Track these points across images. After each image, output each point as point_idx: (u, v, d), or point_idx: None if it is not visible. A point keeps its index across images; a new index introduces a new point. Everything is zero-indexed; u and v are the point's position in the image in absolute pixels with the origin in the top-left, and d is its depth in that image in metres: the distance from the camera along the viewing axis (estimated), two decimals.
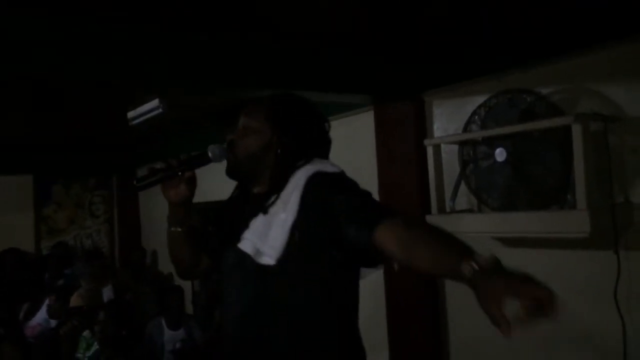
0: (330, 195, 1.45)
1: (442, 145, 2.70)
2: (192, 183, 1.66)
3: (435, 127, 3.00)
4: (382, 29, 2.64)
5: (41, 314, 4.32)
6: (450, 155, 2.73)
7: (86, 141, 5.87)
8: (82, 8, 2.11)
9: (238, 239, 1.56)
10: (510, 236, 2.51)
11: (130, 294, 4.92)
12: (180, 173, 1.61)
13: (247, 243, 1.51)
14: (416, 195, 2.92)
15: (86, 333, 3.52)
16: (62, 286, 5.12)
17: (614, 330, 2.15)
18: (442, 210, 2.63)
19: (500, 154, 2.39)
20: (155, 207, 6.33)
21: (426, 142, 2.70)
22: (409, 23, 2.55)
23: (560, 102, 2.38)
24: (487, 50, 2.60)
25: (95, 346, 3.25)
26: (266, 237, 1.48)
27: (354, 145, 3.57)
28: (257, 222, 1.52)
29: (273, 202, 1.52)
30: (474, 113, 2.57)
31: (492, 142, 2.44)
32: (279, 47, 2.63)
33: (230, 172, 1.65)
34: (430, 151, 2.66)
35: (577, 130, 2.07)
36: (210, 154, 1.59)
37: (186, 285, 5.19)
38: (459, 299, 2.91)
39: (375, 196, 3.09)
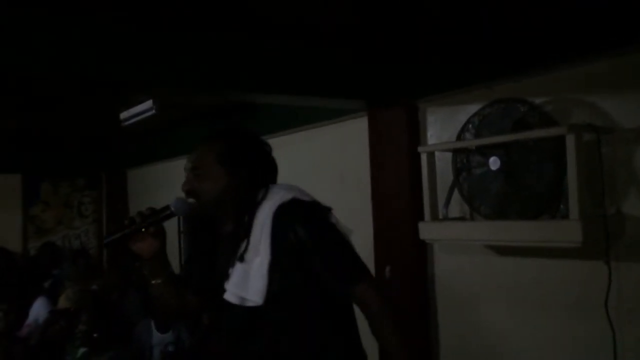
0: (301, 241, 1.55)
1: (436, 153, 2.71)
2: (159, 236, 1.69)
3: (428, 134, 3.00)
4: (376, 34, 2.64)
5: (30, 315, 4.27)
6: (443, 163, 2.73)
7: (76, 140, 5.83)
8: (81, 8, 2.09)
9: (219, 282, 1.64)
10: (502, 244, 2.52)
11: (116, 295, 4.87)
12: (144, 229, 1.64)
13: (231, 295, 1.58)
14: (409, 202, 2.92)
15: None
16: (50, 288, 5.07)
17: (605, 341, 2.16)
18: (434, 217, 2.63)
19: (494, 163, 2.40)
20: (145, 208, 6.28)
21: (420, 149, 2.70)
22: (404, 28, 2.55)
23: (554, 112, 2.39)
24: (481, 59, 2.62)
25: (83, 349, 3.22)
26: (247, 286, 1.55)
27: (346, 151, 3.57)
28: (236, 272, 1.58)
29: (246, 249, 1.58)
30: (468, 121, 2.58)
31: (485, 151, 2.45)
32: (272, 50, 2.62)
33: (200, 217, 1.72)
34: (424, 158, 2.66)
35: (570, 141, 2.08)
36: (172, 209, 1.64)
37: None
38: (449, 302, 2.91)
39: (368, 203, 3.11)
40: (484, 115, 2.51)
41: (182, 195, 1.71)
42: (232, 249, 1.63)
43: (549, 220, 2.26)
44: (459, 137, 2.60)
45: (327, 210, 1.69)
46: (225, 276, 1.63)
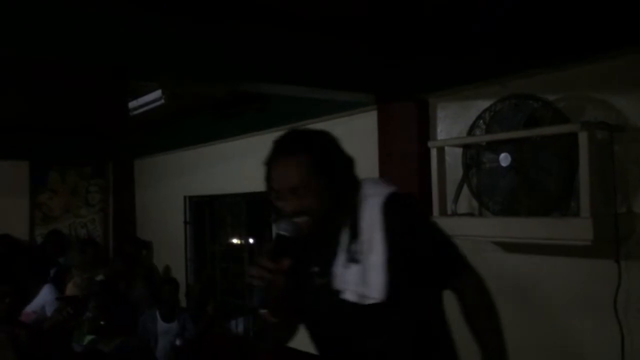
0: (411, 234, 1.54)
1: (446, 148, 2.70)
2: (285, 272, 1.54)
3: (438, 129, 2.99)
4: (388, 28, 2.63)
5: (36, 302, 4.30)
6: (453, 158, 2.72)
7: (84, 128, 5.84)
8: None
9: (325, 285, 1.57)
10: (510, 241, 2.51)
11: (122, 284, 4.90)
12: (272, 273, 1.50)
13: (351, 294, 1.52)
14: (418, 197, 2.92)
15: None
16: (55, 275, 5.10)
17: (613, 340, 2.15)
18: (443, 212, 2.63)
19: (504, 159, 2.38)
20: (151, 198, 6.31)
21: (430, 144, 2.70)
22: (416, 22, 2.54)
23: (566, 109, 2.38)
24: (494, 54, 2.60)
25: (90, 336, 3.24)
26: (367, 283, 1.50)
27: (355, 145, 3.54)
28: (351, 272, 1.52)
29: (358, 247, 1.53)
30: (479, 117, 2.56)
31: (496, 147, 2.44)
32: (284, 40, 2.61)
33: (311, 235, 1.56)
34: (433, 153, 2.65)
35: (583, 138, 2.07)
36: (286, 233, 1.51)
37: (180, 278, 5.18)
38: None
39: None
40: (496, 111, 2.50)
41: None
42: (331, 252, 1.58)
43: (560, 217, 2.25)
44: (470, 133, 2.59)
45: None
46: (323, 282, 1.58)
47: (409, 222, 1.56)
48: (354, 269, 1.52)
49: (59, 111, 5.05)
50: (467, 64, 2.71)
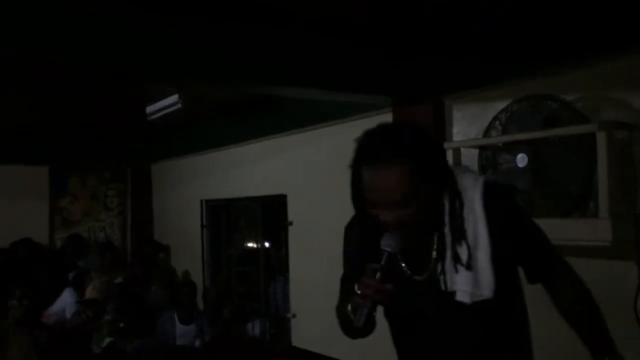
0: (511, 226, 1.46)
1: (462, 149, 2.69)
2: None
3: (454, 131, 2.98)
4: (404, 30, 2.63)
5: (57, 304, 4.35)
6: (469, 160, 2.71)
7: (103, 133, 5.91)
8: None
9: (424, 283, 1.49)
10: None
11: (141, 287, 4.95)
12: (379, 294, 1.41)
13: (463, 294, 1.43)
14: None
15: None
16: (75, 279, 5.16)
17: (634, 344, 2.12)
18: None
19: (521, 160, 2.37)
20: (169, 202, 6.36)
21: (446, 145, 2.69)
22: (432, 25, 2.54)
23: (584, 109, 2.36)
24: (510, 55, 2.59)
25: (109, 338, 3.28)
26: (478, 282, 1.43)
27: None
28: (462, 273, 1.44)
29: (459, 244, 1.45)
30: (495, 118, 2.55)
31: (513, 148, 2.43)
32: (300, 43, 2.63)
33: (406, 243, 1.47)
34: (450, 155, 2.64)
35: (601, 138, 2.06)
36: (390, 250, 1.42)
37: (198, 281, 5.21)
38: None
39: None
40: (512, 111, 2.49)
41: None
42: (424, 246, 1.49)
43: (578, 218, 2.23)
44: (486, 134, 2.58)
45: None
46: (420, 280, 1.50)
47: (511, 215, 1.48)
48: (463, 270, 1.44)
49: (77, 117, 5.13)
50: (483, 65, 2.70)
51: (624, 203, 2.13)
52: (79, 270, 5.40)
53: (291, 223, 4.32)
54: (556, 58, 2.41)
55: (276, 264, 4.80)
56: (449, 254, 1.45)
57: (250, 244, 5.30)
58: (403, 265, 1.51)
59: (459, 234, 1.44)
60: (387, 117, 3.26)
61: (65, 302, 4.32)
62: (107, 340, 3.29)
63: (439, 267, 1.46)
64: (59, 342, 3.38)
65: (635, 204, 2.14)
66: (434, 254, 1.48)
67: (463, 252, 1.43)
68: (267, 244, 4.95)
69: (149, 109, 4.39)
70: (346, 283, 1.58)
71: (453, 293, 1.44)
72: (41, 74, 3.62)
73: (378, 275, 1.38)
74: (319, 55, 2.71)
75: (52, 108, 4.78)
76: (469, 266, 1.42)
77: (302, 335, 4.28)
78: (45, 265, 5.27)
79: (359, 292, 1.40)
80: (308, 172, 4.19)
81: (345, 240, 1.69)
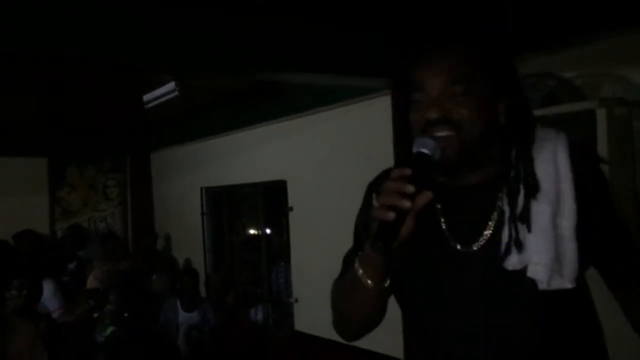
0: (606, 211, 1.12)
1: None
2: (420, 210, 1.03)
3: None
4: (401, 11, 2.61)
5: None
6: None
7: (101, 123, 5.89)
8: None
9: (474, 255, 1.10)
10: None
11: (143, 276, 4.97)
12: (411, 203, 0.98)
13: (539, 269, 1.04)
14: None
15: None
16: (75, 269, 5.18)
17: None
18: None
19: None
20: (168, 191, 6.36)
21: None
22: (429, 5, 2.51)
23: (583, 87, 2.34)
24: (509, 32, 2.56)
25: (112, 327, 3.30)
26: (561, 256, 1.05)
27: (369, 130, 3.55)
28: (540, 237, 1.05)
29: (535, 202, 1.06)
30: None
31: None
32: (299, 27, 2.60)
33: (447, 166, 1.09)
34: None
35: (601, 115, 2.05)
36: (427, 151, 1.04)
37: (199, 269, 5.23)
38: None
39: None
40: None
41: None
42: (480, 207, 1.11)
43: None
44: None
45: None
46: (468, 251, 1.10)
47: (601, 186, 1.13)
48: (539, 234, 1.05)
49: (75, 107, 5.10)
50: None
51: (624, 179, 2.13)
52: (79, 261, 5.42)
53: (291, 209, 4.32)
54: (555, 35, 2.39)
55: (278, 249, 4.81)
56: (517, 214, 1.06)
57: (251, 231, 5.31)
58: (443, 226, 1.13)
59: (535, 188, 1.06)
60: (386, 100, 3.25)
61: (45, 294, 4.28)
62: (110, 329, 3.31)
63: (504, 234, 1.07)
64: (58, 332, 3.39)
65: (635, 181, 2.13)
66: (494, 215, 1.09)
67: (542, 213, 1.05)
68: (268, 230, 4.96)
69: (146, 97, 4.37)
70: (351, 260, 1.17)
71: (518, 273, 1.05)
72: (38, 66, 3.60)
73: (407, 171, 0.98)
74: (318, 38, 2.68)
75: (49, 99, 4.75)
76: (543, 229, 1.05)
77: (305, 319, 4.30)
78: (46, 255, 5.28)
79: (376, 205, 1.00)
80: (307, 157, 4.19)
81: (365, 201, 1.29)
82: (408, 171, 0.98)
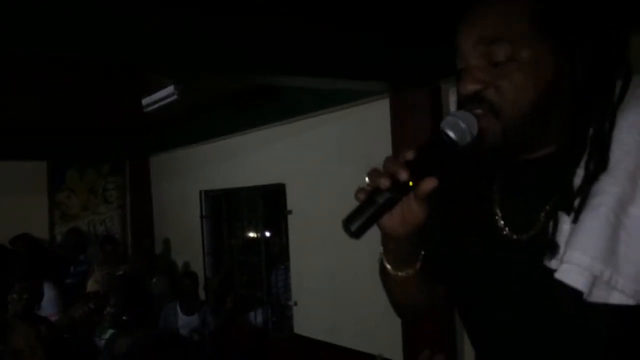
0: None
1: None
2: (427, 198, 0.83)
3: None
4: (398, 13, 2.62)
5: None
6: None
7: (100, 126, 5.90)
8: None
9: (525, 244, 0.87)
10: None
11: (142, 279, 4.97)
12: (410, 186, 0.81)
13: (575, 271, 0.77)
14: None
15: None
16: (76, 272, 5.18)
17: None
18: None
19: None
20: (167, 194, 6.36)
21: None
22: (427, 7, 2.53)
23: None
24: None
25: (111, 330, 3.30)
26: (615, 256, 0.76)
27: (368, 133, 3.57)
28: (589, 229, 0.77)
29: (600, 182, 0.79)
30: None
31: None
32: (297, 31, 2.61)
33: (492, 149, 0.85)
34: None
35: None
36: (453, 135, 0.81)
37: (199, 272, 5.23)
38: None
39: None
40: None
41: None
42: (543, 188, 0.87)
43: None
44: None
45: None
46: (519, 239, 0.88)
47: None
48: (588, 228, 0.78)
49: (74, 111, 5.11)
50: None
51: None
52: (78, 264, 5.42)
53: (290, 212, 4.33)
54: None
55: (277, 252, 4.82)
56: (579, 197, 0.80)
57: (250, 234, 5.32)
58: (497, 209, 0.91)
59: (599, 164, 0.80)
60: (384, 104, 3.26)
61: (45, 296, 4.29)
62: (110, 332, 3.31)
63: (560, 223, 0.81)
64: (59, 335, 3.40)
65: None
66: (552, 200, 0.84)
67: (602, 196, 0.78)
68: (267, 233, 4.97)
69: (145, 100, 4.37)
70: None
71: (539, 283, 0.84)
72: (38, 68, 3.61)
73: (421, 159, 0.79)
74: (316, 42, 2.69)
75: (49, 103, 4.76)
76: (602, 217, 0.77)
77: (304, 322, 4.31)
78: (44, 259, 5.28)
79: (368, 177, 0.83)
80: (306, 160, 4.20)
81: None
82: (410, 155, 0.79)
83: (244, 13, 2.46)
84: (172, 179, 6.22)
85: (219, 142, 5.24)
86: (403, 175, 0.78)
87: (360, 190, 0.83)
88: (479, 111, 0.83)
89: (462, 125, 0.81)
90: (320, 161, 4.02)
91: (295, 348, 4.36)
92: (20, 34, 2.08)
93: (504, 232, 0.90)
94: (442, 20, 2.68)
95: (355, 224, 0.81)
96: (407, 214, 0.84)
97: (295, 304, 4.36)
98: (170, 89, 4.04)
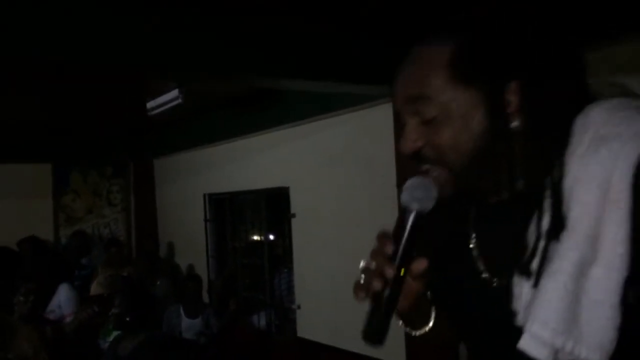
0: None
1: None
2: (424, 274, 0.84)
3: None
4: (401, 17, 2.63)
5: (54, 301, 4.36)
6: None
7: (104, 129, 5.93)
8: None
9: (499, 291, 0.84)
10: None
11: (146, 281, 4.99)
12: (402, 275, 0.82)
13: (535, 344, 0.74)
14: None
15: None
16: (80, 274, 5.20)
17: None
18: None
19: None
20: (171, 197, 6.38)
21: None
22: (428, 12, 2.54)
23: None
24: None
25: (116, 332, 3.31)
26: (576, 327, 0.72)
27: (371, 137, 3.58)
28: (548, 295, 0.74)
29: (555, 241, 0.75)
30: None
31: None
32: (300, 35, 2.63)
33: (449, 198, 0.84)
34: None
35: None
36: (415, 207, 0.82)
37: (202, 275, 5.24)
38: None
39: (394, 189, 3.12)
40: None
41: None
42: (514, 239, 0.82)
43: None
44: None
45: None
46: (504, 293, 0.82)
47: None
48: (550, 285, 0.74)
49: (79, 113, 5.14)
50: None
51: None
52: (83, 267, 5.44)
53: (294, 215, 4.34)
54: None
55: (280, 256, 4.83)
56: (537, 258, 0.77)
57: (254, 237, 5.33)
58: (474, 253, 0.90)
59: (558, 223, 0.75)
60: (388, 108, 3.27)
61: (60, 298, 4.33)
62: (114, 333, 3.33)
63: (518, 287, 0.80)
64: (64, 337, 3.42)
65: None
66: (530, 247, 0.79)
67: (562, 259, 0.73)
68: (271, 237, 4.98)
69: (150, 104, 4.39)
70: None
71: (519, 330, 0.77)
72: (42, 72, 3.63)
73: (401, 245, 0.80)
74: (318, 46, 2.71)
75: (53, 105, 4.79)
76: (562, 277, 0.73)
77: (307, 325, 4.32)
78: (49, 261, 5.31)
79: (362, 273, 0.83)
80: (310, 164, 4.21)
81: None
82: (389, 248, 0.80)
83: (246, 15, 2.47)
84: (176, 182, 6.24)
85: (223, 145, 5.26)
86: (389, 272, 0.79)
87: (357, 287, 0.83)
88: (426, 167, 0.83)
89: (420, 194, 0.81)
90: (324, 165, 4.03)
91: (299, 351, 4.37)
92: (22, 39, 2.10)
93: (485, 277, 0.88)
94: (441, 25, 2.70)
95: (375, 336, 0.83)
96: (408, 292, 0.84)
97: (299, 307, 4.37)
98: (174, 92, 4.07)
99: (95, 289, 4.49)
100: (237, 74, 2.75)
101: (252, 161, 4.90)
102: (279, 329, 4.84)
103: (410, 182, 0.82)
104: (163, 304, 4.64)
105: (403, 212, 0.82)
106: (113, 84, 4.18)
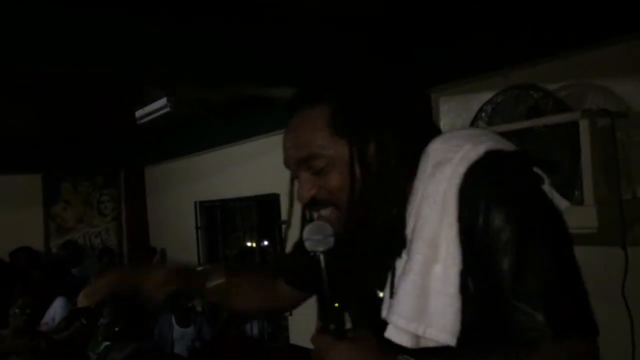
0: (493, 233, 0.85)
1: None
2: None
3: (442, 123, 2.99)
4: (389, 23, 2.64)
5: (49, 313, 4.34)
6: None
7: (94, 139, 5.91)
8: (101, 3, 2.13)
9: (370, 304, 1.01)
10: None
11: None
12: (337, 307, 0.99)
13: (397, 332, 0.90)
14: None
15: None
16: (71, 285, 5.16)
17: (622, 328, 2.14)
18: None
19: None
20: (162, 206, 6.36)
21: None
22: (417, 17, 2.55)
23: (567, 98, 2.37)
24: (493, 45, 2.60)
25: (105, 343, 3.28)
26: (426, 314, 0.88)
27: None
28: (403, 291, 0.90)
29: (409, 249, 0.92)
30: (481, 109, 2.56)
31: None
32: (288, 41, 2.63)
33: (349, 235, 0.98)
34: None
35: (584, 126, 2.07)
36: (322, 247, 0.97)
37: None
38: None
39: None
40: (497, 103, 2.50)
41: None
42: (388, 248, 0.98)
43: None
44: (472, 126, 2.59)
45: (539, 176, 0.96)
46: (376, 294, 1.01)
47: (492, 201, 0.85)
48: (406, 284, 0.90)
49: (67, 122, 5.12)
50: (468, 56, 2.71)
51: (609, 189, 2.15)
52: (73, 277, 5.41)
53: (284, 222, 4.33)
54: (539, 47, 2.43)
55: (272, 262, 4.81)
56: (399, 267, 0.94)
57: (246, 244, 5.32)
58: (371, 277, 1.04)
59: (399, 242, 0.95)
60: None
61: (56, 311, 4.31)
62: (104, 345, 3.30)
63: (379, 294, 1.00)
64: (57, 350, 3.39)
65: (620, 190, 2.15)
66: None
67: (413, 262, 0.90)
68: (265, 243, 4.97)
69: (139, 113, 4.39)
70: None
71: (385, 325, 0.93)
72: (31, 81, 3.62)
73: (324, 284, 0.97)
74: (307, 50, 2.72)
75: (42, 115, 4.78)
76: (412, 276, 0.89)
77: (300, 332, 4.30)
78: (43, 273, 5.27)
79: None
80: None
81: None
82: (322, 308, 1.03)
83: (239, 25, 2.48)
84: (167, 190, 6.23)
85: (213, 153, 5.25)
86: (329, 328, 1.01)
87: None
88: (322, 211, 1.00)
89: (320, 237, 0.97)
90: None
91: (291, 358, 4.35)
92: (12, 49, 2.09)
93: (372, 289, 1.03)
94: (431, 32, 2.72)
95: None
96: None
97: (291, 314, 4.35)
98: (162, 101, 4.07)
99: (80, 300, 4.47)
100: (230, 83, 2.75)
101: (243, 168, 4.89)
102: (272, 337, 4.82)
103: (307, 230, 0.98)
104: (155, 313, 4.62)
105: (313, 255, 0.97)
106: (102, 93, 4.17)
